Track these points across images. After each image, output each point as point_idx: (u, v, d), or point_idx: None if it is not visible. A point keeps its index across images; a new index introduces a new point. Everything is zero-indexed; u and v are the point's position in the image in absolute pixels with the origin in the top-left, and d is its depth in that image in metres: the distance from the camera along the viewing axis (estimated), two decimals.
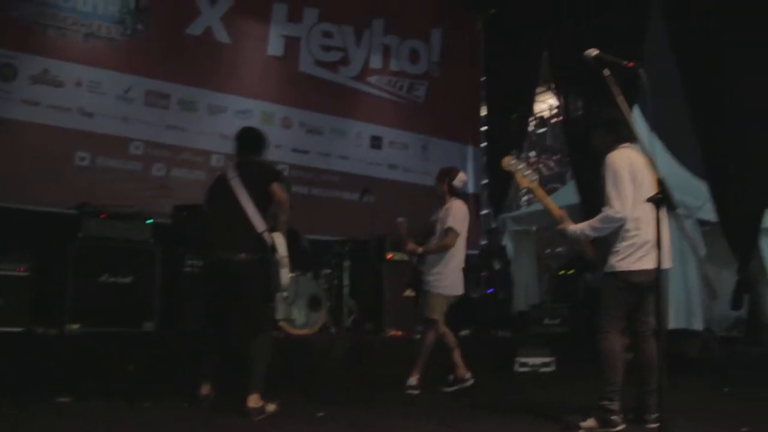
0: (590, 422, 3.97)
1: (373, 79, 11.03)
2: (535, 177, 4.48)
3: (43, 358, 5.61)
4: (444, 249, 5.82)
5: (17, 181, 7.79)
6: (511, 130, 11.39)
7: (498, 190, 11.19)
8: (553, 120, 14.56)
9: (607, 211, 4.04)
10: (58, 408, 4.57)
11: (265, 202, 4.63)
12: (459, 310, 8.65)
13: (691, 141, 8.85)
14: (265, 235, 4.54)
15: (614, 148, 4.20)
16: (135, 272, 6.73)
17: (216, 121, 9.41)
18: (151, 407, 4.69)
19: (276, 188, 4.61)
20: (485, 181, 11.97)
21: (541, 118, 15.20)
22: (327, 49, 10.60)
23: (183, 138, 9.14)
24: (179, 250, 7.28)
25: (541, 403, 5.16)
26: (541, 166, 15.77)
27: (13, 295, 6.09)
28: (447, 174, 6.08)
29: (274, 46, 10.14)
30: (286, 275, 4.59)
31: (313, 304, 7.60)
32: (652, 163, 3.15)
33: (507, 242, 10.98)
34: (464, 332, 8.52)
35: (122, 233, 6.87)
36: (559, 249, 12.65)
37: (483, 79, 12.29)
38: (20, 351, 5.64)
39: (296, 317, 7.43)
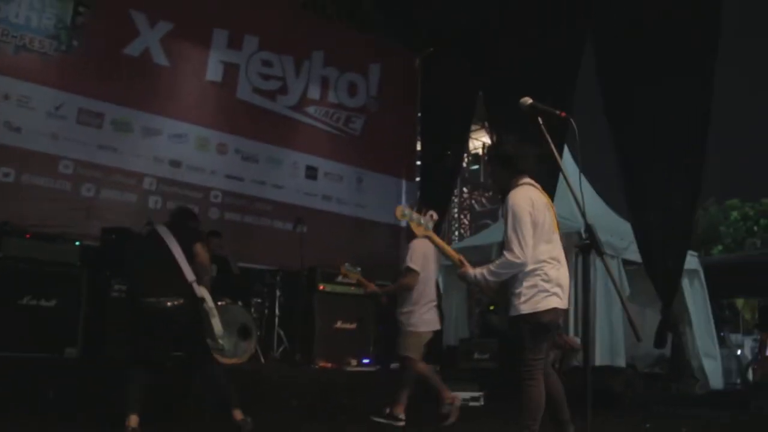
0: None
1: (310, 109, 11.01)
2: (430, 224, 4.43)
3: None
4: (403, 289, 5.85)
5: None
6: (445, 166, 11.58)
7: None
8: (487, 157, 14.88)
9: (507, 256, 3.97)
10: None
11: (190, 258, 4.97)
12: (389, 342, 8.70)
13: (618, 183, 9.18)
14: (194, 285, 4.86)
15: (513, 184, 4.17)
16: (59, 296, 6.47)
17: (150, 144, 9.22)
18: None
19: (199, 249, 4.99)
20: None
21: (476, 155, 15.52)
22: (266, 77, 10.55)
23: (115, 159, 8.87)
24: (106, 274, 7.07)
25: None
26: (473, 202, 16.07)
27: None
28: None
29: (213, 72, 10.03)
30: (218, 325, 4.91)
31: (243, 333, 7.47)
32: (580, 207, 3.20)
33: (439, 276, 11.06)
34: (394, 365, 8.51)
35: (47, 255, 6.60)
36: None
37: (419, 115, 12.46)
38: None
39: (225, 346, 7.27)
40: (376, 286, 6.63)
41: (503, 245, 4.03)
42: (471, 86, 11.25)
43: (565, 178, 3.16)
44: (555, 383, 4.14)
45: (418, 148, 12.50)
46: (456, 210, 15.86)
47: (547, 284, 3.97)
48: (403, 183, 12.01)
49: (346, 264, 6.21)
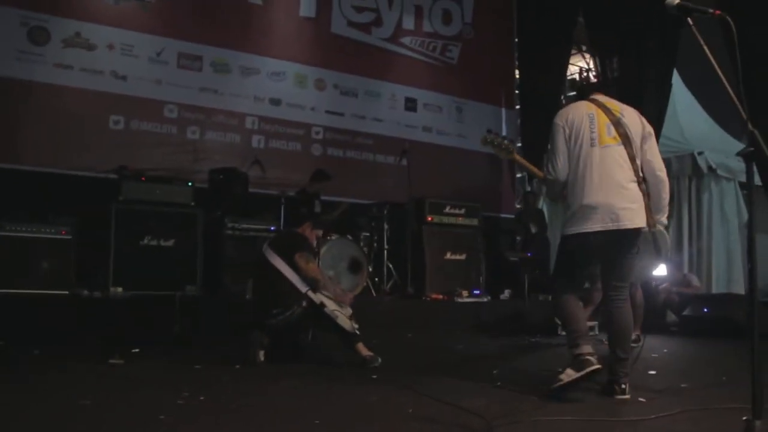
0: (568, 371, 3.83)
1: (406, 40, 10.80)
2: (513, 147, 4.53)
3: (90, 321, 5.58)
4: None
5: (52, 145, 7.78)
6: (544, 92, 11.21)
7: (533, 152, 11.00)
8: None
9: (544, 172, 4.16)
10: (112, 370, 4.53)
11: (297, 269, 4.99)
12: (499, 272, 8.60)
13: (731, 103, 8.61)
14: (309, 294, 4.90)
15: None
16: (177, 235, 6.65)
17: (250, 83, 9.29)
18: (203, 370, 4.65)
19: (297, 260, 4.96)
20: (519, 144, 11.79)
21: (573, 80, 14.94)
22: (359, 10, 10.38)
23: (217, 100, 9.01)
24: (218, 214, 7.21)
25: None
26: None
27: (56, 258, 6.04)
28: None
29: (306, 7, 9.93)
30: (344, 321, 4.92)
31: (354, 266, 7.50)
32: (743, 114, 2.89)
33: (543, 206, 10.84)
34: (504, 295, 8.44)
35: (163, 196, 6.78)
36: None
37: (515, 41, 12.05)
38: (67, 313, 5.60)
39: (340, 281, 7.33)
40: (480, 217, 6.20)
41: None
42: (569, 10, 10.78)
43: (724, 83, 2.86)
44: (621, 315, 3.98)
45: (517, 75, 12.12)
46: None
47: (580, 208, 3.87)
48: (503, 111, 11.72)
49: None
